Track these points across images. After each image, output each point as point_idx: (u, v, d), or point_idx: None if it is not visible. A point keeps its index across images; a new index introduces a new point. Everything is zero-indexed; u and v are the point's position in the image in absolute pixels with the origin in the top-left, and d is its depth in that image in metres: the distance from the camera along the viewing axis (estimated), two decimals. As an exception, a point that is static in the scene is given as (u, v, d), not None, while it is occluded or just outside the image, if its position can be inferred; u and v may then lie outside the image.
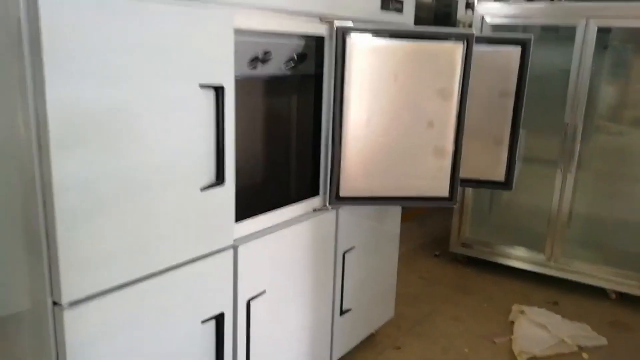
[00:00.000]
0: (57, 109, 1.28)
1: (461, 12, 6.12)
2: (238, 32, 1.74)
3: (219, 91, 1.68)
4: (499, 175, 2.72)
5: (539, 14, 3.64)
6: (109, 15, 1.35)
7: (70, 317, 1.39)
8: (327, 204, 2.31)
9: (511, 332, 3.05)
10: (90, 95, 1.34)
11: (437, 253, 4.23)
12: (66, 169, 1.32)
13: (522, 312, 3.22)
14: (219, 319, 1.83)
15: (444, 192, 2.43)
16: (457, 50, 2.30)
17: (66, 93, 1.29)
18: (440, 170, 2.41)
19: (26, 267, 1.45)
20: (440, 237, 4.46)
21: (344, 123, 2.30)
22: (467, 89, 2.32)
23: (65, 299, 1.38)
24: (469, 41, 2.29)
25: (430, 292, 3.58)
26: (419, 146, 2.39)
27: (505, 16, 3.71)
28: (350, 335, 2.62)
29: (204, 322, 1.79)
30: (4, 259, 1.54)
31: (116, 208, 1.45)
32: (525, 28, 3.82)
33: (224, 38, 1.68)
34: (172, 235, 1.62)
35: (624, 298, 3.47)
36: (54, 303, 1.39)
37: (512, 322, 3.16)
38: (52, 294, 1.39)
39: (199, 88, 1.62)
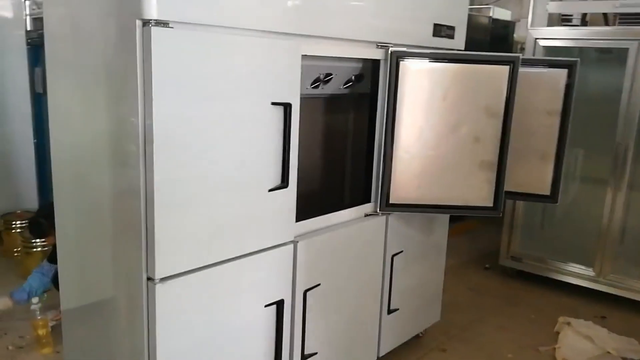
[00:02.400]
0: (162, 122, 1.60)
1: (519, 32, 6.21)
2: (305, 57, 2.03)
3: (286, 108, 1.97)
4: (545, 189, 2.86)
5: (591, 37, 3.75)
6: (206, 46, 1.68)
7: (161, 290, 1.70)
8: (378, 210, 2.55)
9: (556, 342, 3.15)
10: (188, 112, 1.67)
11: (487, 266, 4.35)
12: (165, 169, 1.64)
13: (568, 323, 3.30)
14: (279, 305, 2.10)
15: (489, 202, 2.61)
16: (503, 72, 2.50)
17: (169, 109, 1.62)
18: (486, 182, 2.60)
19: (126, 250, 1.78)
20: (490, 251, 4.56)
21: (395, 137, 2.53)
22: (512, 107, 2.51)
23: (158, 275, 1.69)
24: (514, 64, 2.48)
25: (479, 303, 3.71)
26: (466, 160, 2.59)
27: (558, 38, 3.84)
28: (396, 333, 2.83)
29: (266, 306, 2.06)
30: (106, 248, 1.89)
31: (201, 203, 1.76)
32: (581, 50, 3.93)
33: (292, 63, 1.98)
34: (243, 228, 1.92)
35: (674, 316, 3.48)
36: (148, 279, 1.71)
37: (558, 333, 3.25)
38: (147, 270, 1.71)
39: (270, 105, 1.92)
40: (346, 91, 2.65)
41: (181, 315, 1.78)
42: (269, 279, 2.07)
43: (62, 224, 2.15)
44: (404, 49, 2.45)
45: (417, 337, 3.05)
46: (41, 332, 2.87)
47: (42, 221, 3.11)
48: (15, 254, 4.08)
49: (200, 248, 1.79)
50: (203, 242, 1.80)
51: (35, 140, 4.64)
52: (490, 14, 5.82)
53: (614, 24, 4.19)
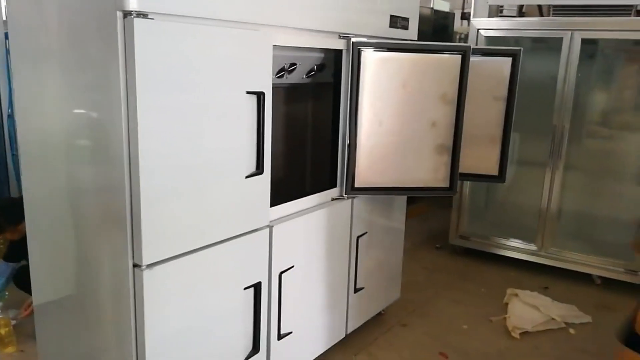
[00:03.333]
0: (145, 112, 1.64)
1: (457, 24, 6.51)
2: (274, 47, 2.11)
3: (260, 96, 2.04)
4: (494, 170, 3.08)
5: (529, 27, 4.02)
6: (184, 37, 1.72)
7: (148, 276, 1.74)
8: (344, 194, 2.67)
9: (506, 312, 3.40)
10: (169, 102, 1.70)
11: (438, 245, 4.59)
12: (149, 158, 1.67)
13: (515, 294, 3.57)
14: (257, 287, 2.18)
15: (445, 183, 2.81)
16: (456, 61, 2.67)
17: (152, 99, 1.65)
18: (442, 165, 2.79)
19: (109, 238, 1.80)
20: (440, 232, 4.81)
21: (358, 124, 2.65)
22: (464, 94, 2.70)
23: (145, 261, 1.73)
24: (466, 54, 2.66)
25: (433, 280, 3.93)
26: (424, 144, 2.76)
27: (499, 29, 4.09)
28: (362, 311, 2.97)
29: (245, 288, 2.14)
30: (86, 238, 1.90)
31: (184, 190, 1.81)
32: (517, 40, 4.19)
33: (264, 53, 2.05)
34: (223, 214, 1.98)
35: (608, 283, 3.82)
36: (134, 265, 1.75)
37: (507, 304, 3.51)
38: (133, 257, 1.74)
39: (245, 94, 1.98)
40: (308, 80, 2.73)
41: (167, 300, 1.83)
42: (247, 262, 2.14)
43: (33, 217, 2.12)
44: (364, 39, 2.56)
45: (379, 314, 3.21)
46: (3, 331, 2.80)
47: None
48: (-40, 255, 3.91)
49: (184, 234, 1.84)
50: (186, 228, 1.85)
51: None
52: (432, 5, 6.07)
53: (547, 15, 4.50)
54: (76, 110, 1.83)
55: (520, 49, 2.99)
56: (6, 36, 4.11)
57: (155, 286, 1.78)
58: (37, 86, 1.98)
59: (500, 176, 3.05)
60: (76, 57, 1.78)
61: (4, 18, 4.26)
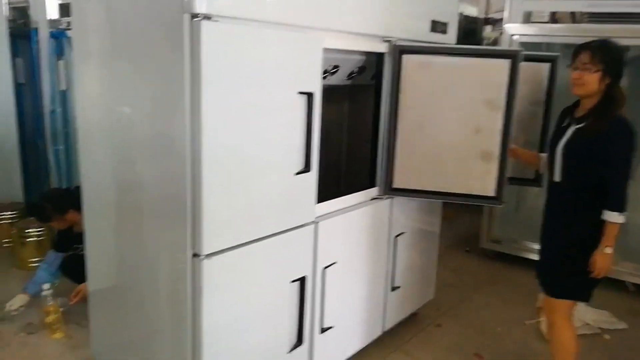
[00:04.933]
0: (209, 109, 1.73)
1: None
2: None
3: (310, 97, 2.11)
4: (530, 173, 3.10)
5: (562, 33, 4.04)
6: (244, 39, 1.81)
7: (207, 266, 1.83)
8: (382, 194, 2.73)
9: (539, 316, 3.42)
10: (230, 100, 1.80)
11: (467, 249, 4.62)
12: (212, 154, 1.76)
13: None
14: (302, 281, 2.26)
15: (490, 192, 2.67)
16: (502, 66, 2.57)
17: (215, 97, 1.74)
18: (486, 173, 2.65)
19: (170, 228, 1.89)
20: (469, 236, 4.83)
21: (398, 127, 2.69)
22: (513, 100, 2.57)
23: (204, 251, 1.82)
24: (515, 58, 2.55)
25: (464, 282, 3.97)
26: (466, 150, 2.68)
27: (532, 35, 4.11)
28: (398, 309, 3.02)
29: (292, 282, 2.21)
30: (146, 227, 1.99)
31: (241, 184, 1.90)
32: (548, 46, 4.21)
33: (316, 55, 2.12)
34: (275, 209, 2.06)
35: (641, 290, 3.82)
36: (194, 255, 1.83)
37: (539, 308, 3.52)
38: (193, 247, 1.83)
39: (297, 94, 2.06)
40: (348, 82, 2.81)
41: (222, 290, 1.92)
42: (294, 256, 2.22)
43: (91, 207, 2.23)
44: (406, 43, 2.62)
45: (413, 314, 3.25)
46: (52, 317, 2.92)
47: (47, 206, 3.14)
48: (5, 244, 4.07)
49: (240, 226, 1.93)
50: (241, 221, 1.93)
51: (18, 131, 4.60)
52: (461, 11, 6.10)
53: (580, 22, 4.51)
54: (139, 107, 1.93)
55: (558, 55, 3.02)
56: (51, 35, 4.29)
57: (213, 275, 1.86)
58: (100, 83, 2.09)
59: (537, 180, 3.08)
60: (142, 57, 1.89)
61: (50, 17, 4.44)
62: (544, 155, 2.64)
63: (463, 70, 2.65)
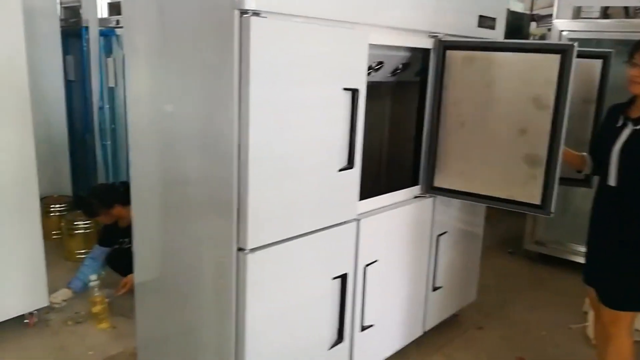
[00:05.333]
0: (256, 105, 1.74)
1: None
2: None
3: (355, 93, 2.10)
4: (580, 173, 2.99)
5: (614, 29, 3.89)
6: (290, 34, 1.81)
7: (251, 260, 1.84)
8: (424, 192, 2.69)
9: (585, 321, 3.31)
10: (277, 96, 1.80)
11: (510, 250, 4.51)
12: (258, 147, 1.77)
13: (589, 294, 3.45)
14: (344, 278, 2.25)
15: (536, 199, 2.45)
16: (552, 61, 2.40)
17: (263, 93, 1.75)
18: (532, 178, 2.45)
19: (216, 222, 1.91)
20: (511, 237, 4.72)
21: (440, 124, 2.65)
22: (565, 98, 2.36)
23: (249, 245, 1.83)
24: (567, 53, 2.35)
25: (507, 284, 3.88)
26: (509, 152, 2.51)
27: (582, 31, 3.98)
28: (439, 310, 2.98)
29: (333, 279, 2.21)
30: (192, 221, 2.02)
31: (286, 179, 1.90)
32: (598, 42, 4.06)
33: (361, 51, 2.11)
34: (318, 205, 2.06)
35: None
36: (239, 249, 1.85)
37: (586, 313, 3.41)
38: (238, 242, 1.84)
39: (342, 90, 2.05)
40: (392, 79, 2.78)
41: (265, 284, 1.93)
42: (336, 253, 2.21)
43: (139, 201, 2.28)
44: (453, 38, 2.57)
45: (454, 316, 3.20)
46: (98, 308, 3.01)
47: (94, 201, 3.24)
48: (54, 237, 4.21)
49: (283, 222, 1.93)
50: (286, 217, 1.94)
51: (68, 127, 4.76)
52: (507, 6, 5.94)
53: (634, 17, 4.34)
54: (187, 104, 1.96)
55: (612, 51, 2.91)
56: (101, 33, 4.41)
57: (257, 269, 1.87)
58: (149, 80, 2.13)
59: (587, 180, 2.97)
60: (191, 54, 1.91)
61: (99, 16, 4.57)
62: (587, 155, 2.53)
63: (507, 66, 2.53)
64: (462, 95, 2.63)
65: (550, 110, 2.41)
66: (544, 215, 2.51)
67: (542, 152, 2.43)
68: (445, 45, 2.57)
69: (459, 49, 2.57)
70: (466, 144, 2.66)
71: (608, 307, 2.31)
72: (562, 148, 2.42)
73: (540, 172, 2.43)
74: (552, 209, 2.43)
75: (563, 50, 2.39)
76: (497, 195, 2.58)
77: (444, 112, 2.65)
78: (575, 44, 2.37)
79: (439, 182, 2.70)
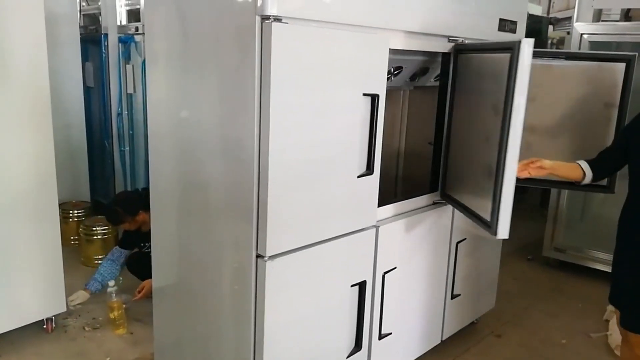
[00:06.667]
0: (277, 110, 1.73)
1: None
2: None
3: (374, 98, 2.08)
4: (603, 180, 2.93)
5: (632, 32, 3.83)
6: (311, 40, 1.80)
7: (270, 267, 1.83)
8: (442, 199, 2.65)
9: (606, 329, 3.24)
10: (297, 101, 1.79)
11: (529, 257, 4.45)
12: (278, 153, 1.76)
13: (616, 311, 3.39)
14: (362, 286, 2.22)
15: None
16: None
17: (283, 98, 1.74)
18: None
19: (234, 229, 1.91)
20: (530, 244, 4.66)
21: (452, 130, 2.58)
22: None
23: (268, 252, 1.82)
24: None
25: (526, 291, 3.82)
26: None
27: (604, 34, 3.92)
28: (458, 318, 2.94)
29: (352, 286, 2.19)
30: (211, 228, 2.02)
31: (305, 186, 1.89)
32: (619, 45, 4.00)
33: (382, 55, 2.09)
34: (336, 212, 2.04)
35: None
36: (258, 256, 1.84)
37: (607, 321, 3.35)
38: (257, 249, 1.84)
39: (362, 96, 2.04)
40: (411, 83, 2.76)
41: (284, 291, 1.91)
42: (355, 260, 2.19)
43: (158, 207, 2.28)
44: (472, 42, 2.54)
45: (472, 323, 3.16)
46: (116, 313, 3.02)
47: (118, 209, 3.26)
48: (72, 242, 4.24)
49: (302, 229, 1.92)
50: (304, 224, 1.92)
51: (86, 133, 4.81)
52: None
53: (657, 20, 4.27)
54: (208, 109, 1.96)
55: (635, 55, 2.86)
56: (120, 40, 4.45)
57: (275, 276, 1.86)
58: (170, 86, 2.14)
59: (610, 186, 2.91)
60: (212, 60, 1.91)
61: (118, 23, 4.61)
62: (583, 162, 2.38)
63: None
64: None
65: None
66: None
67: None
68: (456, 49, 2.53)
69: (471, 52, 2.51)
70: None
71: (630, 331, 2.19)
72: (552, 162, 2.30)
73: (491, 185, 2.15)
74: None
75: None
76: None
77: (456, 117, 2.60)
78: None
79: (449, 189, 2.64)
